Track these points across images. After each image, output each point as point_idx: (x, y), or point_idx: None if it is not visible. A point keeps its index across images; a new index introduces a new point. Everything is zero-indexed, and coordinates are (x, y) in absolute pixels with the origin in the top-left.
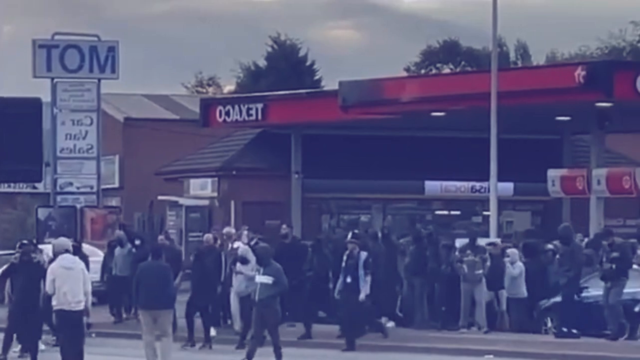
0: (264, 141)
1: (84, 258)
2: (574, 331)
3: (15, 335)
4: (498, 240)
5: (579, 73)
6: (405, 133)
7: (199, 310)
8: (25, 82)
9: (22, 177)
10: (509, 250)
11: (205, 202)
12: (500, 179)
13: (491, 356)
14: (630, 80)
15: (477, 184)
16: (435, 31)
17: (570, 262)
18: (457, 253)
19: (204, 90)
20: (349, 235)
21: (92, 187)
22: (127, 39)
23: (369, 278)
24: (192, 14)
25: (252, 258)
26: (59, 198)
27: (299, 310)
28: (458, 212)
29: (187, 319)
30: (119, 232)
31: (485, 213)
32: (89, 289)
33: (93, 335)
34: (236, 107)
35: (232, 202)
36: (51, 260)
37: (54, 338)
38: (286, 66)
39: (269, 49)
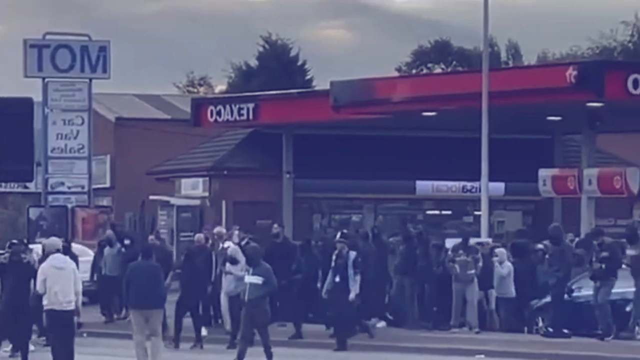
0: (255, 141)
1: (74, 258)
2: (565, 331)
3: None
4: (489, 240)
5: (570, 73)
6: (397, 133)
7: (188, 310)
8: (16, 82)
9: (13, 176)
10: (497, 250)
11: (197, 202)
12: (492, 178)
13: (482, 356)
14: (621, 80)
15: (468, 184)
16: (427, 31)
17: (560, 262)
18: (449, 253)
19: (195, 90)
20: (338, 235)
21: (83, 187)
22: (118, 39)
23: (358, 277)
24: (183, 14)
25: (242, 258)
26: (50, 198)
27: (289, 310)
28: (449, 212)
29: (176, 319)
30: (109, 232)
31: (477, 213)
32: (80, 288)
33: (84, 335)
34: (227, 107)
35: (224, 202)
36: (41, 260)
37: (43, 338)
38: (277, 66)
39: (261, 49)
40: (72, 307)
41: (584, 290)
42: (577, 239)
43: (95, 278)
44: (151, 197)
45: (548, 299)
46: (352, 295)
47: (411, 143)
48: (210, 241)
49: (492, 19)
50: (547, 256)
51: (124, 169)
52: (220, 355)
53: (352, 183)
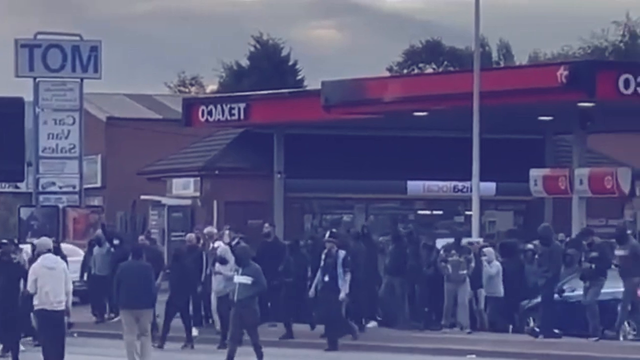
0: (247, 141)
1: (63, 258)
2: (556, 331)
3: None
4: (479, 240)
5: (562, 73)
6: (388, 133)
7: (178, 311)
8: (7, 82)
9: (4, 176)
10: (485, 250)
11: (188, 202)
12: (483, 178)
13: (473, 356)
14: (613, 80)
15: (460, 184)
16: (418, 31)
17: (549, 263)
18: (442, 252)
19: (187, 90)
20: (327, 234)
21: (74, 187)
22: (109, 39)
23: (348, 276)
24: (174, 14)
25: (231, 258)
26: (41, 197)
27: (280, 310)
28: (440, 212)
29: (166, 319)
30: (98, 232)
31: (468, 213)
32: (70, 288)
33: (75, 335)
34: (219, 106)
35: (215, 202)
36: (31, 260)
37: (30, 339)
38: (269, 66)
39: (252, 49)
40: (62, 307)
41: (577, 290)
42: (568, 239)
43: (85, 277)
44: (142, 197)
45: (539, 299)
46: (342, 295)
47: (402, 143)
48: (201, 241)
49: (484, 18)
50: (536, 256)
51: (115, 169)
52: (211, 356)
53: (343, 183)
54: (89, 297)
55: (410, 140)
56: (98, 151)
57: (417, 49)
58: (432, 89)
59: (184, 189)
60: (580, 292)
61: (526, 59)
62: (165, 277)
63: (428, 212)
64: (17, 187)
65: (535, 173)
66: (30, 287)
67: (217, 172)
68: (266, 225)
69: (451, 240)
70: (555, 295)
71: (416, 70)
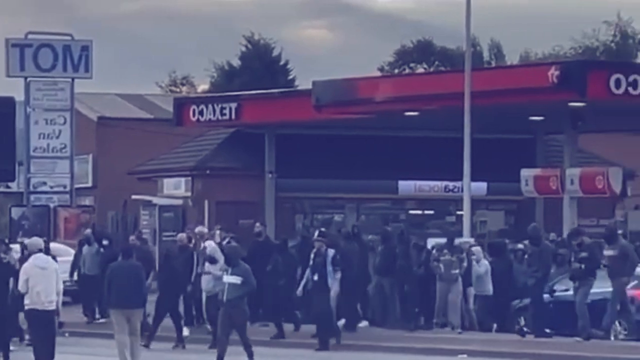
0: (238, 141)
1: (52, 258)
2: (547, 330)
3: None
4: (470, 240)
5: (553, 73)
6: (379, 133)
7: (168, 311)
8: None
9: None
10: (473, 249)
11: (179, 202)
12: (474, 178)
13: (465, 356)
14: (604, 80)
15: (451, 184)
16: (409, 31)
17: (539, 263)
18: (434, 252)
19: (178, 90)
20: (316, 234)
21: (65, 187)
22: (100, 39)
23: (338, 275)
24: (166, 14)
25: (221, 257)
26: (32, 197)
27: (268, 310)
28: (432, 212)
29: (155, 319)
30: (87, 231)
31: (459, 213)
32: (61, 288)
33: (66, 334)
34: (210, 106)
35: (206, 202)
36: (20, 259)
37: (17, 339)
38: (260, 66)
39: (243, 49)
40: (53, 307)
41: (569, 290)
42: (559, 239)
43: (75, 277)
44: (133, 197)
45: (529, 299)
46: (332, 294)
47: (393, 143)
48: (193, 241)
49: (475, 18)
50: (526, 256)
51: (106, 169)
52: (203, 355)
53: (334, 183)
54: (80, 297)
55: (401, 140)
56: (89, 151)
57: (408, 49)
58: (423, 88)
59: (175, 188)
60: (572, 291)
61: (517, 59)
62: (155, 277)
63: (419, 212)
64: (8, 186)
65: (526, 173)
66: (21, 287)
67: (208, 171)
68: (257, 224)
69: (441, 240)
70: (547, 295)
71: (407, 70)
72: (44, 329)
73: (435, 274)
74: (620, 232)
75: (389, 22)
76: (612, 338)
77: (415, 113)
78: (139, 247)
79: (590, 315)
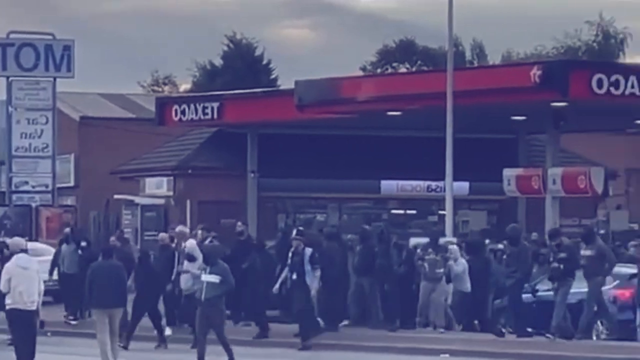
0: (220, 140)
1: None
2: (529, 329)
3: None
4: (453, 239)
5: (535, 73)
6: (361, 132)
7: (146, 311)
8: None
9: None
10: (450, 247)
11: (161, 201)
12: (456, 178)
13: (447, 355)
14: (586, 79)
15: (433, 184)
16: (392, 30)
17: (517, 263)
18: (419, 251)
19: (160, 89)
20: (294, 232)
21: (47, 186)
22: (83, 38)
23: (318, 273)
24: (148, 13)
25: (199, 255)
26: (14, 197)
27: (251, 310)
28: (414, 212)
29: (132, 320)
30: (66, 230)
31: (441, 212)
32: (42, 289)
33: (48, 334)
34: (192, 106)
35: (188, 201)
36: (1, 259)
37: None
38: (242, 65)
39: (225, 48)
40: (34, 307)
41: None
42: (541, 239)
43: (54, 276)
44: (115, 197)
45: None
46: (313, 292)
47: (376, 143)
48: (176, 240)
49: (457, 18)
50: (504, 257)
51: (88, 168)
52: (184, 355)
53: (316, 182)
54: (61, 297)
55: (383, 139)
56: (71, 150)
57: (391, 49)
58: (405, 88)
59: (157, 188)
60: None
61: (499, 59)
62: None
63: (401, 212)
64: None
65: (508, 173)
66: (3, 287)
67: (190, 171)
68: (239, 224)
69: (422, 239)
70: (529, 295)
71: (390, 70)
72: (26, 328)
73: (414, 273)
74: (602, 231)
75: (371, 22)
76: (594, 338)
77: (398, 113)
78: (119, 248)
79: (571, 316)
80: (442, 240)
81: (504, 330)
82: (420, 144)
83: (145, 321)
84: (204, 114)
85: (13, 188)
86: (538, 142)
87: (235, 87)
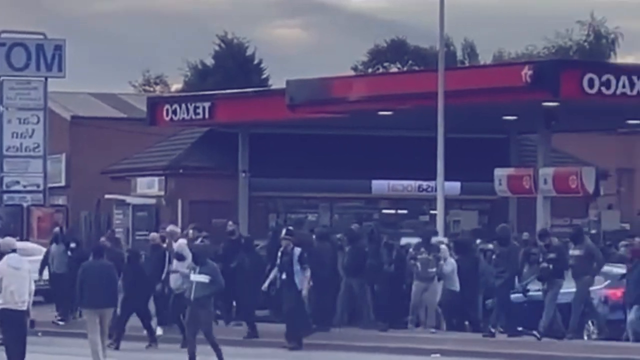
0: (211, 140)
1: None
2: (520, 329)
3: None
4: (444, 239)
5: (526, 72)
6: (353, 132)
7: (134, 311)
8: None
9: None
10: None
11: (152, 201)
12: (447, 178)
13: (438, 355)
14: (577, 79)
15: (424, 183)
16: (383, 30)
17: (507, 263)
18: (411, 250)
19: (152, 89)
20: (283, 232)
21: (38, 186)
22: (74, 37)
23: (308, 272)
24: (139, 13)
25: (189, 254)
26: (5, 197)
27: (239, 310)
28: (405, 211)
29: (120, 320)
30: (56, 229)
31: (432, 212)
32: (33, 289)
33: (39, 334)
34: (183, 105)
35: (179, 201)
36: None
37: None
38: (233, 65)
39: (217, 48)
40: (25, 307)
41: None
42: (532, 238)
43: (44, 275)
44: (107, 196)
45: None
46: (304, 292)
47: (367, 142)
48: (167, 240)
49: (448, 18)
50: (494, 257)
51: (80, 168)
52: (175, 355)
53: (308, 182)
54: (52, 296)
55: (375, 139)
56: (62, 150)
57: (382, 48)
58: (396, 88)
59: (148, 188)
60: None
61: (491, 59)
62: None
63: (393, 212)
64: None
65: (499, 172)
66: None
67: (181, 171)
68: (230, 223)
69: (413, 239)
70: (520, 295)
71: (381, 70)
72: (17, 328)
73: (405, 273)
74: (594, 231)
75: (362, 22)
76: (585, 337)
77: (389, 112)
78: (109, 248)
79: (562, 316)
80: (434, 240)
81: (493, 330)
82: (412, 144)
83: (136, 321)
84: (195, 113)
85: (4, 188)
86: (529, 142)
87: (226, 87)
